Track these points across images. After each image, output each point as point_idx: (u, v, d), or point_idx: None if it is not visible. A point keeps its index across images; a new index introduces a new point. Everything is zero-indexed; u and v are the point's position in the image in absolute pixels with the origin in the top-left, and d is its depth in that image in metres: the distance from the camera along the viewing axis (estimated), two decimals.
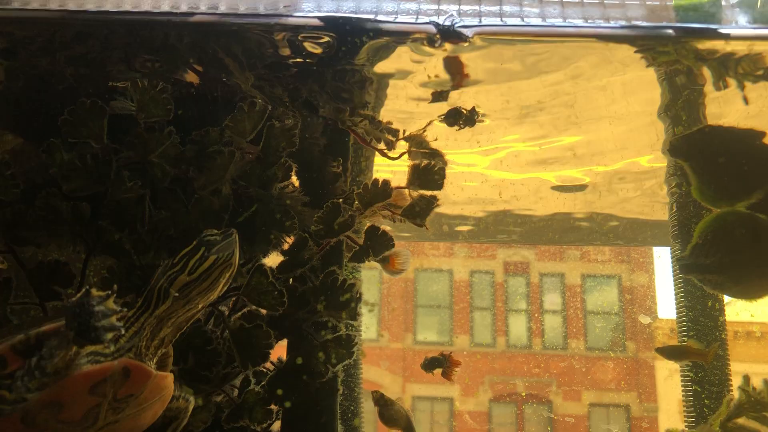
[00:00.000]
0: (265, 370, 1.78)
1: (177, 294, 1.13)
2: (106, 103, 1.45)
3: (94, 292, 1.00)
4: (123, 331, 1.12)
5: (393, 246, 1.76)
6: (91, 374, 1.09)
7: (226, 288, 1.20)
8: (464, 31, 1.48)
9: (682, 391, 2.07)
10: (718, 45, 1.57)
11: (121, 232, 1.49)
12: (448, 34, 1.49)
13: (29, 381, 1.06)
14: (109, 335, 0.99)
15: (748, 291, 1.73)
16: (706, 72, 1.88)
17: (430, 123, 1.79)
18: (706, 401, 1.98)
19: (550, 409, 15.10)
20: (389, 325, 15.12)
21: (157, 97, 1.44)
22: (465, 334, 15.52)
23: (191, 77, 1.58)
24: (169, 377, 1.22)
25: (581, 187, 2.62)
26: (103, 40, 1.51)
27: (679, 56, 1.80)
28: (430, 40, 1.48)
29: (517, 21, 1.47)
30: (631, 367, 14.97)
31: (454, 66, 1.69)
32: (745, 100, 1.77)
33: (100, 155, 1.45)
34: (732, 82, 1.83)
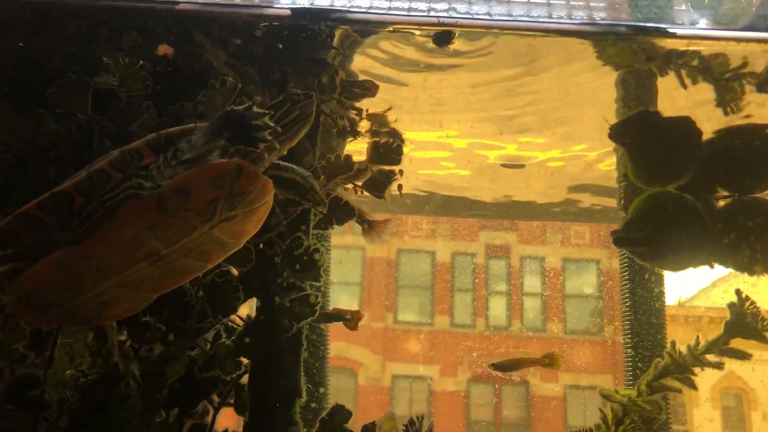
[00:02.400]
0: (235, 326, 1.95)
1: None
2: (91, 78, 1.60)
3: (255, 108, 1.27)
4: (276, 144, 1.32)
5: (354, 216, 1.93)
6: (212, 167, 1.30)
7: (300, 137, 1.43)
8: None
9: (624, 356, 2.26)
10: (666, 42, 1.74)
11: None
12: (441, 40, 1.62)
13: (164, 170, 1.30)
14: (262, 145, 1.27)
15: (672, 263, 1.91)
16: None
17: (389, 108, 1.96)
18: (639, 364, 2.18)
19: (528, 389, 15.44)
20: (370, 305, 15.34)
21: (137, 74, 1.60)
22: (445, 315, 15.77)
23: (168, 55, 1.73)
24: (271, 184, 1.40)
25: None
26: (89, 22, 1.65)
27: (634, 59, 1.98)
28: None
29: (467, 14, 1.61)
30: (608, 350, 15.31)
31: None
32: (684, 85, 1.94)
33: (84, 126, 1.60)
34: (672, 74, 2.01)
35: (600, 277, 16.22)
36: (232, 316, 1.94)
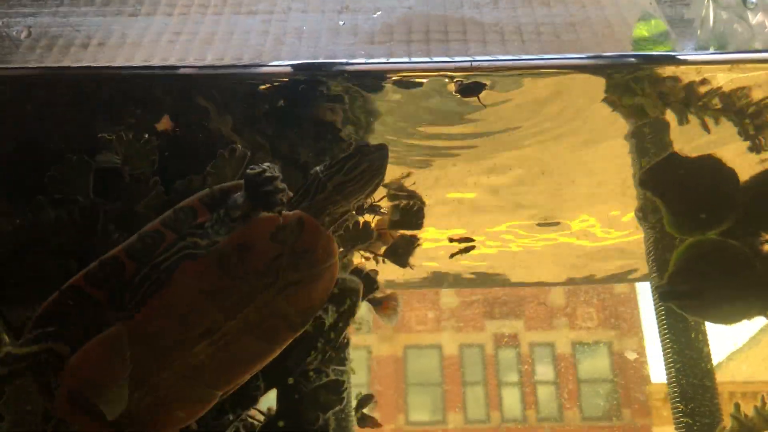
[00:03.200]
0: (255, 422, 1.77)
1: (332, 188, 1.29)
2: (92, 158, 1.51)
3: (267, 172, 1.24)
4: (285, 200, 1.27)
5: (377, 289, 1.79)
6: (271, 219, 1.24)
7: (373, 192, 1.36)
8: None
9: (675, 425, 2.06)
10: (678, 71, 1.68)
11: None
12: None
13: (220, 227, 1.23)
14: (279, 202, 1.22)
15: (725, 315, 1.77)
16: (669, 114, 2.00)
17: (408, 174, 1.88)
18: None
19: None
20: (380, 406, 14.77)
21: (142, 150, 1.51)
22: (458, 411, 15.18)
23: (171, 128, 1.66)
24: (335, 243, 1.33)
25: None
26: (89, 96, 1.59)
27: (645, 98, 1.92)
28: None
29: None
30: None
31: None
32: (706, 129, 1.86)
33: (87, 210, 1.49)
34: (693, 118, 1.95)
35: (612, 359, 15.79)
36: (252, 411, 1.77)
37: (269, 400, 1.82)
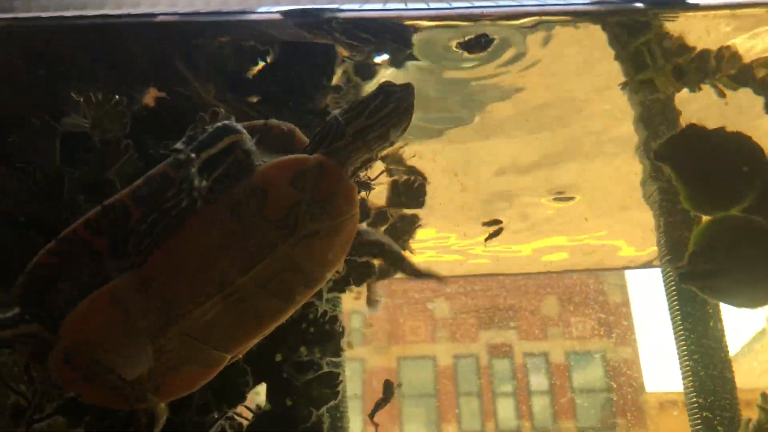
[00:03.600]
0: (242, 419, 1.62)
1: (352, 134, 1.18)
2: (58, 121, 1.36)
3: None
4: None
5: (374, 275, 1.65)
6: (292, 161, 1.13)
7: (398, 138, 1.23)
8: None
9: (690, 420, 1.92)
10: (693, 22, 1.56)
11: None
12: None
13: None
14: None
15: (751, 297, 1.64)
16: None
17: (405, 143, 1.73)
18: (719, 428, 1.84)
19: None
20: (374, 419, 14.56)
21: (112, 111, 1.36)
22: (453, 423, 15.00)
23: (148, 91, 1.51)
24: (356, 191, 1.21)
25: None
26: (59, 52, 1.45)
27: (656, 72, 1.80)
28: None
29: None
30: None
31: None
32: (722, 95, 1.74)
33: (51, 175, 1.34)
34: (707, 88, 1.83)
35: (606, 368, 15.70)
36: (239, 407, 1.62)
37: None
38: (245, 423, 1.63)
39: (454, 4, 1.45)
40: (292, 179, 1.12)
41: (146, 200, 1.10)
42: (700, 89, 1.77)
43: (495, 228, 1.95)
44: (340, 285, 1.66)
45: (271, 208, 1.11)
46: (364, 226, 1.32)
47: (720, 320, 1.96)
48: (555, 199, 2.28)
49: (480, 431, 15.18)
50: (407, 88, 1.19)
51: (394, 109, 1.17)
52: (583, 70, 1.80)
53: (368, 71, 1.68)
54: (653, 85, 1.89)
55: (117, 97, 1.35)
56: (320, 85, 1.57)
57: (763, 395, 1.68)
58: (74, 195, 1.36)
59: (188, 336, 1.14)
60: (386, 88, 1.19)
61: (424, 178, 1.68)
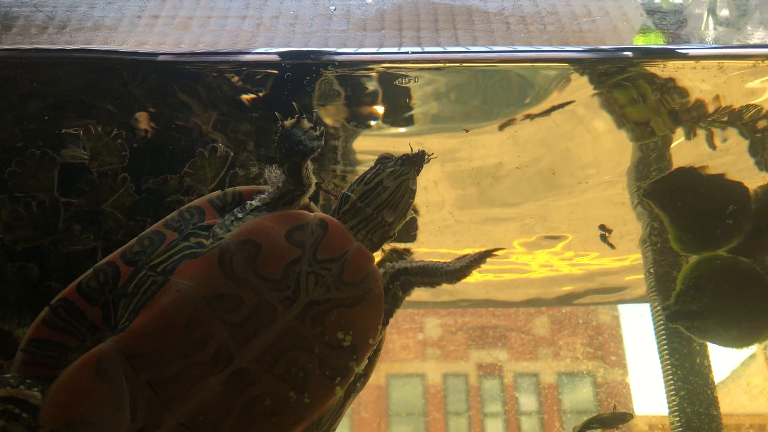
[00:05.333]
0: None
1: (356, 198, 1.14)
2: (57, 152, 1.37)
3: (305, 123, 1.09)
4: (322, 141, 1.11)
5: None
6: (288, 215, 1.05)
7: (404, 217, 1.19)
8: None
9: None
10: (679, 65, 1.59)
11: None
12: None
13: (230, 223, 1.04)
14: (314, 146, 1.05)
15: (737, 337, 1.66)
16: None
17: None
18: None
19: None
20: None
21: (111, 144, 1.37)
22: None
23: (146, 124, 1.53)
24: (373, 258, 1.10)
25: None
26: (58, 85, 1.46)
27: (649, 112, 1.83)
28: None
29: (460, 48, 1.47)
30: None
31: None
32: (713, 146, 1.77)
33: (47, 204, 1.35)
34: (700, 132, 1.86)
35: (596, 390, 15.66)
36: None
37: None
38: None
39: (449, 49, 1.48)
40: (288, 233, 1.03)
41: (136, 258, 1.03)
42: (695, 135, 1.80)
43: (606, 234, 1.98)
44: None
45: (264, 264, 1.00)
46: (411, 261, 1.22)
47: (707, 357, 1.98)
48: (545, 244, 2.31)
49: None
50: (404, 158, 1.17)
51: (390, 173, 1.14)
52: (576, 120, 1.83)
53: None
54: (648, 126, 1.92)
55: (116, 130, 1.36)
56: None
57: None
58: (71, 225, 1.37)
59: (188, 429, 0.96)
60: (383, 157, 1.19)
61: (417, 212, 1.70)
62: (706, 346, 1.99)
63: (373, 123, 1.75)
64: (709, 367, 1.97)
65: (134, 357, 0.95)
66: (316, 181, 1.16)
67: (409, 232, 1.65)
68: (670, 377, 2.02)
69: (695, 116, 1.77)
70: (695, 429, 1.91)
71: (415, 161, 1.15)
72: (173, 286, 0.97)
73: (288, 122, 1.09)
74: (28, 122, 1.48)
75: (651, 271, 2.06)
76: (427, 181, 2.32)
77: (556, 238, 2.34)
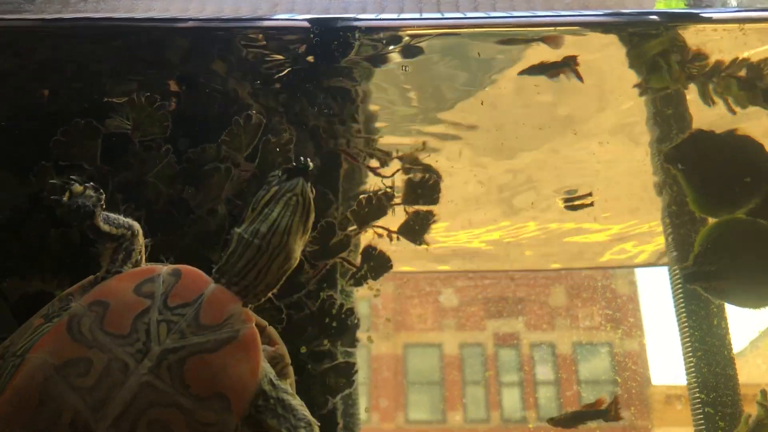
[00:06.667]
0: None
1: (242, 231, 1.05)
2: (101, 122, 1.44)
3: (77, 188, 1.04)
4: (101, 194, 1.06)
5: (391, 267, 1.73)
6: (137, 271, 1.01)
7: (305, 234, 1.08)
8: None
9: (693, 415, 2.00)
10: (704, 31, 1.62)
11: None
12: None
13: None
14: (94, 203, 1.01)
15: (753, 298, 1.70)
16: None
17: (424, 143, 1.81)
18: (720, 423, 1.91)
19: None
20: (379, 405, 14.72)
21: (154, 114, 1.43)
22: (458, 411, 15.14)
23: (182, 92, 1.59)
24: (237, 304, 1.00)
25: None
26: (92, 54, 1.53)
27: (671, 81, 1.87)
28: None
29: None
30: None
31: None
32: (731, 110, 1.80)
33: (95, 176, 1.43)
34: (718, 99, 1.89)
35: (613, 360, 15.72)
36: None
37: None
38: None
39: (469, 14, 1.51)
40: (137, 287, 0.98)
41: (4, 352, 1.00)
42: (713, 102, 1.83)
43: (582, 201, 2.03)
44: (358, 278, 1.74)
45: (111, 321, 0.95)
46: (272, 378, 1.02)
47: (724, 318, 2.03)
48: (566, 206, 2.35)
49: (485, 420, 15.27)
50: (285, 171, 1.07)
51: (275, 192, 1.05)
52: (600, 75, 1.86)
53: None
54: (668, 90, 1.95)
55: (158, 100, 1.42)
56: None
57: (763, 392, 1.74)
58: (114, 195, 1.44)
59: None
60: (271, 176, 1.09)
61: (439, 176, 1.75)
62: (723, 308, 2.03)
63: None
64: (726, 328, 2.02)
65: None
66: (132, 222, 1.09)
67: (432, 195, 1.71)
68: (687, 339, 2.07)
69: (713, 77, 1.80)
70: (711, 388, 1.97)
71: (299, 172, 1.05)
72: (27, 361, 0.93)
73: (65, 197, 1.04)
74: (71, 92, 1.54)
75: (671, 234, 2.10)
76: (451, 152, 2.38)
77: (580, 199, 2.38)
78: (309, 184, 1.06)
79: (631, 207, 2.57)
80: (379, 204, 1.65)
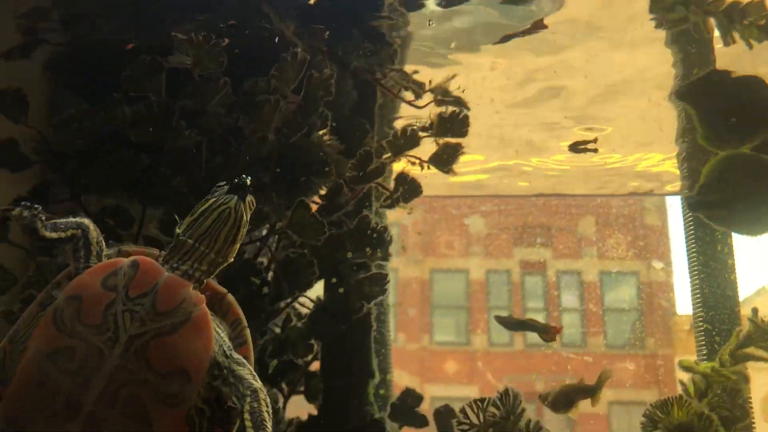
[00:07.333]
0: (304, 308, 1.95)
1: (181, 233, 1.18)
2: (164, 58, 1.63)
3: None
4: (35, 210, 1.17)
5: (421, 192, 1.92)
6: (102, 265, 1.15)
7: (233, 243, 1.18)
8: None
9: (695, 332, 2.20)
10: None
11: (179, 177, 1.67)
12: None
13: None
14: (32, 214, 1.15)
15: (752, 226, 1.86)
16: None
17: (453, 76, 1.95)
18: (716, 338, 2.11)
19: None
20: (405, 326, 15.19)
21: (212, 51, 1.61)
22: (482, 335, 15.55)
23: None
24: (189, 288, 1.14)
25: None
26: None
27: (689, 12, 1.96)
28: None
29: None
30: (650, 363, 14.91)
31: None
32: (749, 45, 1.90)
33: (164, 106, 1.63)
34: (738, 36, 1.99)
35: (639, 290, 15.88)
36: (302, 299, 1.94)
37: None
38: (306, 311, 1.96)
39: None
40: (103, 280, 1.12)
41: (12, 334, 1.15)
42: (733, 41, 1.93)
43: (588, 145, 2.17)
44: (391, 201, 1.94)
45: (86, 313, 1.10)
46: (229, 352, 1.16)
47: (728, 245, 2.19)
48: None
49: (508, 344, 15.72)
50: (233, 191, 1.18)
51: (213, 202, 1.16)
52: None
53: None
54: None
55: (214, 37, 1.60)
56: None
57: (754, 309, 1.92)
58: (179, 122, 1.64)
59: None
60: (214, 188, 1.21)
61: (468, 109, 1.90)
62: (728, 235, 2.20)
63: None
64: (729, 253, 2.19)
65: (12, 419, 1.09)
66: (79, 219, 1.21)
67: (461, 129, 1.86)
68: (694, 262, 2.25)
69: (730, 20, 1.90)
70: (711, 307, 2.16)
71: (237, 189, 1.16)
72: (28, 349, 1.11)
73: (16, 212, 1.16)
74: (136, 30, 1.72)
75: (684, 167, 2.25)
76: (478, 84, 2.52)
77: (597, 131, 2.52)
78: (246, 200, 1.17)
79: (659, 138, 2.70)
80: (413, 135, 1.83)
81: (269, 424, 1.10)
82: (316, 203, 1.86)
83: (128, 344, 1.08)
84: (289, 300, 1.77)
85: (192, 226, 1.17)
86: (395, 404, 2.02)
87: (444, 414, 1.93)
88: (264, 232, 1.82)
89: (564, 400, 2.17)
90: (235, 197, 1.16)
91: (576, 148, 2.45)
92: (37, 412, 1.07)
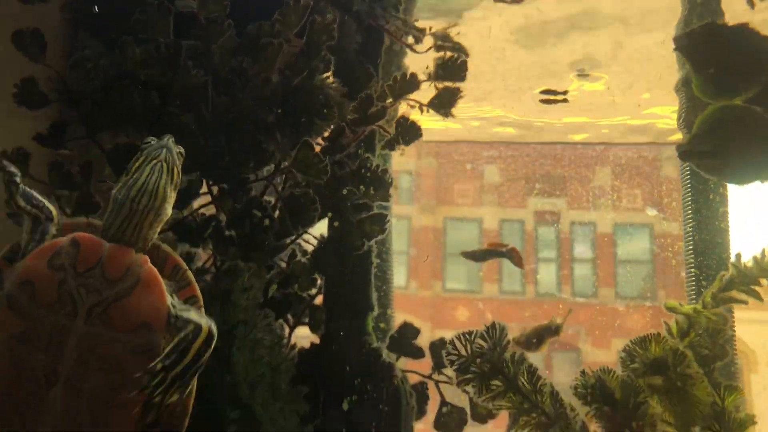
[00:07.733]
0: (309, 245, 2.05)
1: (116, 192, 1.23)
2: (171, 2, 1.70)
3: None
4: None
5: (421, 135, 1.99)
6: (44, 248, 1.21)
7: (168, 197, 1.23)
8: None
9: (686, 276, 2.29)
10: None
11: (187, 115, 1.76)
12: None
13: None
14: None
15: (740, 176, 1.92)
16: None
17: (454, 24, 1.99)
18: (703, 282, 2.20)
19: (579, 356, 15.31)
20: (418, 273, 15.40)
21: None
22: (494, 283, 15.73)
23: None
24: (131, 253, 1.21)
25: None
26: None
27: None
28: None
29: None
30: (660, 315, 15.02)
31: None
32: (752, 4, 1.92)
33: (171, 47, 1.70)
34: None
35: (653, 242, 15.88)
36: (306, 236, 2.04)
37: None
38: (310, 249, 2.06)
39: None
40: (49, 262, 1.18)
41: None
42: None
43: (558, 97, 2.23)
44: (391, 143, 2.01)
45: (41, 295, 1.17)
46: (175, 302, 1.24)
47: (719, 194, 2.26)
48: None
49: (520, 293, 15.89)
50: (161, 142, 1.24)
51: (145, 158, 1.21)
52: None
53: None
54: None
55: None
56: None
57: (737, 255, 2.00)
58: (187, 62, 1.72)
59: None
60: (143, 143, 1.25)
61: (467, 55, 1.95)
62: (721, 185, 2.26)
63: None
64: (721, 202, 2.26)
65: None
66: (51, 206, 1.27)
67: (460, 73, 1.92)
68: (688, 210, 2.33)
69: None
70: (699, 253, 2.24)
71: (165, 145, 1.22)
72: None
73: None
74: None
75: (683, 117, 2.29)
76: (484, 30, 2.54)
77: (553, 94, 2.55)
78: (175, 151, 1.23)
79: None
80: (412, 80, 1.89)
81: (190, 355, 1.17)
82: (320, 145, 1.94)
83: (89, 313, 1.18)
84: (294, 237, 1.87)
85: (126, 184, 1.22)
86: (394, 336, 2.14)
87: (439, 346, 2.04)
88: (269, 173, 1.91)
89: (535, 339, 2.35)
90: (164, 149, 1.22)
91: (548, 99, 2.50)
92: (19, 389, 1.18)
